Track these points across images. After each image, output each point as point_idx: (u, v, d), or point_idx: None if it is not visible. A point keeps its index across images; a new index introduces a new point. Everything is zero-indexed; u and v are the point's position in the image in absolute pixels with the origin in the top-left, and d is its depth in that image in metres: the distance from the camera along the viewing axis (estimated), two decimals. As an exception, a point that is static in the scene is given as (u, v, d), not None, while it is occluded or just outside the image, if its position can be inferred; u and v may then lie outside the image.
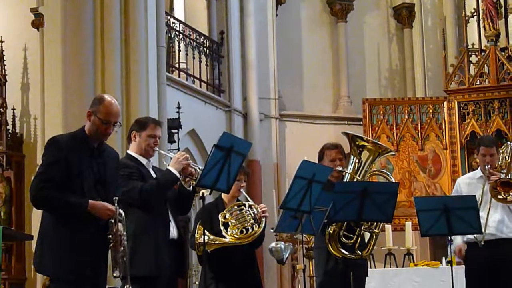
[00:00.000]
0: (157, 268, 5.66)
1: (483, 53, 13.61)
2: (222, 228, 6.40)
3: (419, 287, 9.77)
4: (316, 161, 6.69)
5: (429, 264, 10.33)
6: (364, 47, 14.76)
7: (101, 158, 5.05)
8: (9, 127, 10.18)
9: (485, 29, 13.59)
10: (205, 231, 6.13)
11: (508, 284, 7.08)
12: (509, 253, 7.07)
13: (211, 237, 6.33)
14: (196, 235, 6.35)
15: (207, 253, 6.28)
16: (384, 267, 11.25)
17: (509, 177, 6.86)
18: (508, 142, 7.28)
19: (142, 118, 6.34)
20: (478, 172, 7.28)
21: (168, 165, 5.81)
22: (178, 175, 5.73)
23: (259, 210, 6.51)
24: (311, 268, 11.55)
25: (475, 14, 13.74)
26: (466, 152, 13.41)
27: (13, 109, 10.27)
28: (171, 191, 5.84)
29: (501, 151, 7.14)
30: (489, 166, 6.98)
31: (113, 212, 4.90)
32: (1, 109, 10.16)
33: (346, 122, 13.89)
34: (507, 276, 7.06)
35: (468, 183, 7.30)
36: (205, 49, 13.02)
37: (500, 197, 6.84)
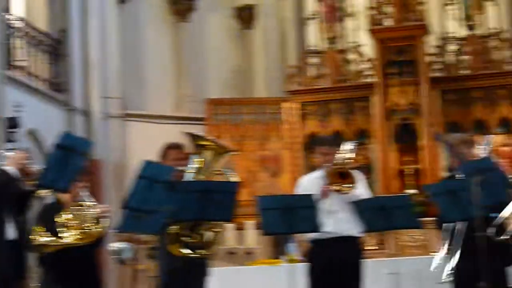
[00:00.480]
0: None
1: (322, 55, 13.94)
2: (61, 228, 6.30)
3: (260, 286, 9.89)
4: (159, 161, 6.68)
5: (270, 263, 10.48)
6: (206, 47, 14.81)
7: None
8: None
9: (324, 31, 13.92)
10: (44, 232, 6.01)
11: (350, 282, 7.29)
12: (349, 250, 7.29)
13: (50, 238, 6.21)
14: (34, 236, 6.22)
15: (46, 254, 6.16)
16: (226, 266, 11.33)
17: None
18: (348, 142, 7.50)
19: None
20: (319, 172, 7.46)
21: (4, 164, 5.67)
22: (15, 174, 5.59)
23: (99, 210, 6.44)
24: (153, 268, 11.51)
25: (314, 16, 14.06)
26: (306, 152, 13.68)
27: None
28: (11, 190, 5.70)
29: (339, 151, 7.34)
30: (328, 165, 7.17)
31: None
32: None
33: (189, 122, 13.90)
34: (348, 274, 7.26)
35: (310, 183, 7.47)
36: (45, 46, 12.75)
37: (335, 188, 7.04)
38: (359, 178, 7.32)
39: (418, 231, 11.19)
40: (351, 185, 7.05)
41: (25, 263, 5.75)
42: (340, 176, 7.08)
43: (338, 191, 7.07)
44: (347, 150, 7.29)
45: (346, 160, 7.18)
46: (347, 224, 7.30)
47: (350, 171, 7.08)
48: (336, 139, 8.34)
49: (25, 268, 5.76)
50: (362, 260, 7.43)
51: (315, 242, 7.40)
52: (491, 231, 6.44)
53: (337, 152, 7.30)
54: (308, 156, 13.69)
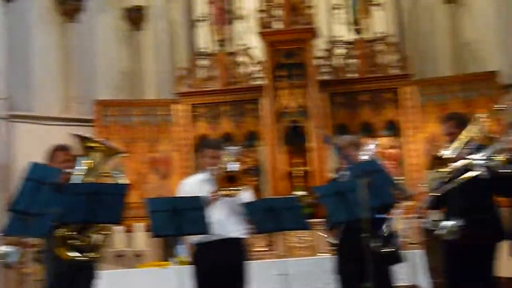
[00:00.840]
0: None
1: (212, 57, 13.96)
2: None
3: (149, 287, 9.84)
4: (46, 163, 6.58)
5: (159, 265, 10.45)
6: (96, 48, 14.62)
7: None
8: None
9: (214, 34, 13.95)
10: None
11: (234, 284, 7.33)
12: (234, 252, 7.33)
13: None
14: None
15: None
16: (114, 269, 11.23)
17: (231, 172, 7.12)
18: (231, 147, 7.55)
19: None
20: (205, 174, 7.48)
21: None
22: None
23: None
24: (39, 272, 11.31)
25: (204, 18, 14.07)
26: (196, 154, 13.67)
27: None
28: None
29: (224, 155, 7.41)
30: (215, 168, 7.20)
31: None
32: None
33: (77, 123, 13.70)
34: (233, 276, 7.30)
35: (195, 185, 7.49)
36: None
37: (223, 192, 7.08)
38: (247, 186, 7.38)
39: (307, 233, 11.33)
40: (238, 189, 7.10)
41: None
42: (228, 179, 7.12)
43: (226, 195, 7.11)
44: (231, 154, 7.35)
45: (231, 164, 7.23)
46: (232, 226, 7.36)
47: (237, 174, 7.12)
48: (223, 142, 8.36)
49: None
50: (247, 261, 7.49)
51: (200, 244, 7.43)
52: (376, 244, 6.58)
53: (223, 155, 7.37)
54: (198, 158, 13.69)
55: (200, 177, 7.56)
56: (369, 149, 7.53)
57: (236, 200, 7.22)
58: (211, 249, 7.31)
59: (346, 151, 7.20)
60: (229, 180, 7.12)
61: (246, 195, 7.41)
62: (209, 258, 7.33)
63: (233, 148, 7.50)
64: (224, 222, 7.35)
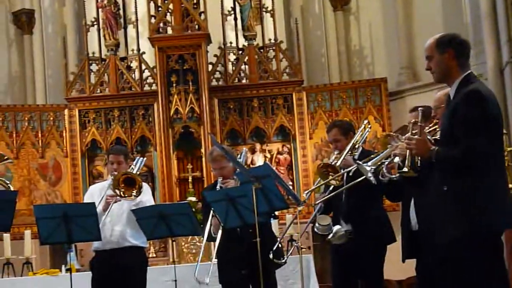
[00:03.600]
0: None
1: (103, 62, 13.83)
2: None
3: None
4: None
5: (49, 273, 10.29)
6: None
7: None
8: None
9: (105, 39, 13.82)
10: None
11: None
12: (131, 259, 7.32)
13: None
14: None
15: None
16: (2, 277, 10.99)
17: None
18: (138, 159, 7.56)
19: None
20: (108, 181, 7.45)
21: None
22: None
23: None
24: None
25: (95, 23, 13.93)
26: (86, 160, 13.53)
27: None
28: None
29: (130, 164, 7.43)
30: (116, 173, 7.19)
31: None
32: None
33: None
34: (130, 282, 7.30)
35: (98, 190, 7.46)
36: None
37: (120, 193, 7.08)
38: (145, 185, 7.39)
39: (198, 238, 11.33)
40: (136, 192, 7.09)
41: None
42: (126, 183, 7.11)
43: (122, 196, 7.10)
44: (137, 165, 7.37)
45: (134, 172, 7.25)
46: (132, 234, 7.34)
47: (136, 178, 7.12)
48: (125, 149, 8.34)
49: None
50: (146, 268, 7.50)
51: (98, 251, 7.40)
52: (273, 253, 6.66)
53: (127, 162, 7.39)
54: (88, 164, 13.55)
55: (105, 183, 7.53)
56: (242, 154, 7.63)
57: (135, 204, 7.21)
58: (110, 256, 7.28)
59: (219, 163, 7.22)
60: (127, 182, 7.11)
61: (147, 197, 7.41)
62: (108, 264, 7.30)
63: (141, 159, 7.52)
64: (124, 230, 7.33)
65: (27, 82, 14.61)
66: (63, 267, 10.30)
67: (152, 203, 7.59)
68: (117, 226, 7.31)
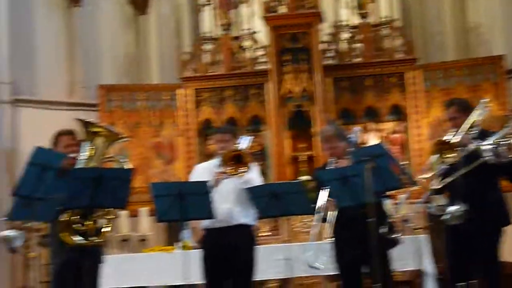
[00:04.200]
0: None
1: (216, 42, 13.92)
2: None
3: (154, 272, 9.85)
4: (51, 147, 6.58)
5: (164, 249, 10.45)
6: (100, 33, 14.59)
7: None
8: None
9: (218, 18, 13.90)
10: None
11: (241, 268, 7.36)
12: (241, 238, 7.36)
13: None
14: None
15: None
16: (120, 254, 11.25)
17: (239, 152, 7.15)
18: (245, 137, 7.57)
19: None
20: (215, 160, 7.50)
21: None
22: None
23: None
24: (45, 256, 11.34)
25: (209, 3, 14.02)
26: (200, 139, 13.67)
27: None
28: None
29: (236, 142, 7.44)
30: (224, 152, 7.23)
31: None
32: None
33: (81, 108, 13.69)
34: (241, 260, 7.33)
35: (205, 170, 7.51)
36: None
37: (229, 171, 7.11)
38: (253, 164, 7.41)
39: (311, 217, 11.31)
40: (245, 169, 7.12)
41: None
42: (235, 160, 7.14)
43: (232, 174, 7.13)
44: (244, 144, 7.39)
45: (238, 144, 7.27)
46: (240, 212, 7.38)
47: (245, 155, 7.14)
48: (233, 128, 8.38)
49: None
50: (254, 246, 7.52)
51: (208, 229, 7.46)
52: (383, 230, 6.59)
53: (234, 141, 7.41)
54: (202, 143, 13.69)
55: (213, 162, 7.58)
56: (355, 133, 7.53)
57: (244, 182, 7.23)
58: (218, 234, 7.33)
59: (331, 143, 7.16)
60: (235, 159, 7.15)
61: (254, 175, 7.42)
62: (216, 243, 7.35)
63: (247, 137, 7.54)
64: (233, 208, 7.37)
65: (143, 62, 14.83)
66: (177, 244, 10.45)
67: (260, 181, 7.59)
68: (225, 204, 7.34)
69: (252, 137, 7.94)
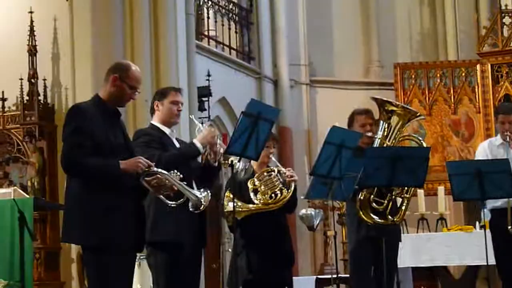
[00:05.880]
0: (178, 234, 5.62)
1: (515, 15, 13.42)
2: (252, 194, 6.38)
3: (452, 252, 9.72)
4: (346, 127, 6.65)
5: (463, 229, 10.27)
6: (395, 11, 14.58)
7: (120, 123, 5.02)
8: (41, 97, 10.19)
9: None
10: (234, 199, 6.10)
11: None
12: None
13: (239, 204, 6.31)
14: (226, 203, 6.35)
15: (237, 220, 6.27)
16: (417, 232, 11.20)
17: None
18: None
19: (161, 88, 6.35)
20: (498, 139, 7.23)
21: (195, 138, 5.78)
22: (201, 149, 5.69)
23: (288, 175, 6.46)
24: (343, 234, 11.54)
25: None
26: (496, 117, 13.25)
27: (44, 79, 10.26)
28: (195, 163, 5.81)
29: None
30: (509, 133, 6.95)
31: (144, 163, 4.81)
32: (33, 80, 10.15)
33: (377, 87, 13.77)
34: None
35: (487, 148, 7.26)
36: (234, 16, 12.96)
37: None
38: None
39: None
40: None
41: (205, 230, 5.82)
42: None
43: None
44: None
45: None
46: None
47: None
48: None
49: (205, 235, 5.83)
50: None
51: (494, 210, 7.18)
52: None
53: None
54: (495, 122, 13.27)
55: (493, 140, 7.33)
56: None
57: None
58: (503, 215, 7.02)
59: None
60: None
61: None
62: (502, 225, 7.04)
63: None
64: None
65: (439, 38, 14.62)
66: (477, 224, 10.22)
67: None
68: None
69: None
